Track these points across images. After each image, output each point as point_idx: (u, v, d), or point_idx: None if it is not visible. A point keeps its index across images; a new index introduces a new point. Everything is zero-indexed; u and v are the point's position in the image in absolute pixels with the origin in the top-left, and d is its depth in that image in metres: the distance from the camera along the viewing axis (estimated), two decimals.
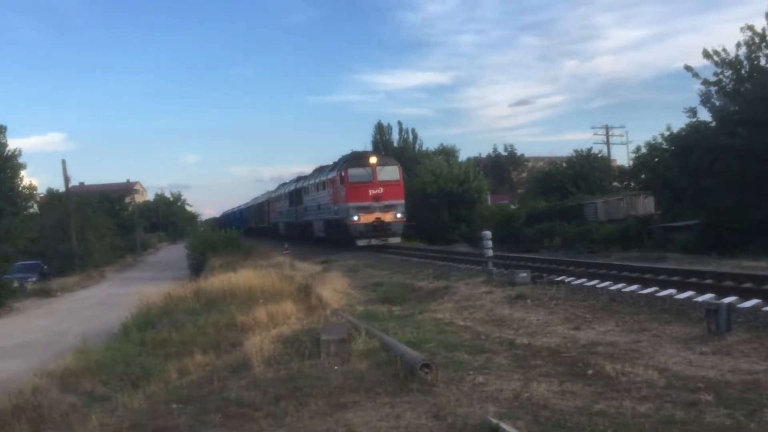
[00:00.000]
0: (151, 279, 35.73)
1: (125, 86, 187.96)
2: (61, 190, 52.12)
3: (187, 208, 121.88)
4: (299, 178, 45.14)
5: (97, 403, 9.46)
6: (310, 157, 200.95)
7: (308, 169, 46.02)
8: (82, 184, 77.74)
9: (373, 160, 31.66)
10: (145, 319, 16.53)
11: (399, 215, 30.92)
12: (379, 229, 30.32)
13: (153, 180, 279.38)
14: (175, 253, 64.70)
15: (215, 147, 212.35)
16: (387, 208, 30.53)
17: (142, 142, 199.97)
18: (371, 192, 30.49)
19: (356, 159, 32.85)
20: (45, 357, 14.74)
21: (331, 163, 37.15)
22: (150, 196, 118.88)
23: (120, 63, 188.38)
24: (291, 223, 46.28)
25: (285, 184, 51.80)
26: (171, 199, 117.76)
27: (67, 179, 48.13)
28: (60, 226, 45.91)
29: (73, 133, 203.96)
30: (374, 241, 30.04)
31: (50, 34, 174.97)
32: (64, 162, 48.70)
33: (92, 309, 26.73)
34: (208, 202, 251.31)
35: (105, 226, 56.19)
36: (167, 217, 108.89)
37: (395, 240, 30.82)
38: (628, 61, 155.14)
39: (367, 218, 30.21)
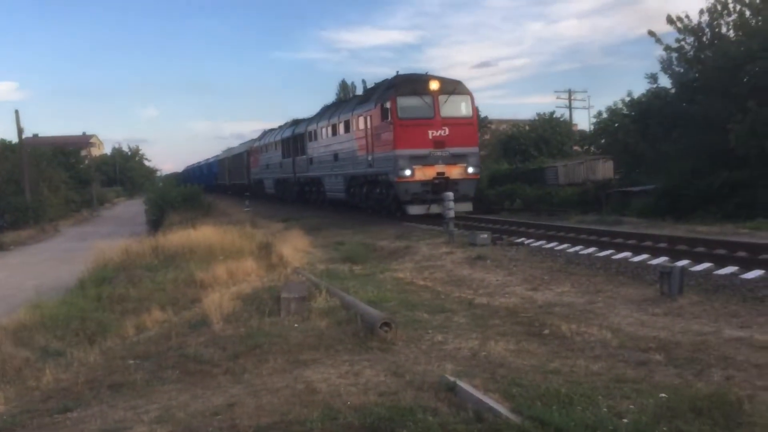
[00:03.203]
0: (108, 234, 35.14)
1: (82, 34, 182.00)
2: (14, 142, 50.66)
3: (146, 162, 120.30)
4: (297, 121, 34.81)
5: (51, 358, 9.34)
6: (272, 114, 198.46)
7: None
8: (36, 135, 75.87)
9: (434, 85, 21.09)
10: (102, 275, 16.28)
11: (471, 170, 21.27)
12: (443, 189, 18.98)
13: (110, 133, 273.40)
14: (132, 208, 63.74)
15: (175, 101, 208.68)
16: (455, 159, 20.90)
17: (99, 94, 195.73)
18: (432, 134, 20.70)
19: (409, 83, 21.81)
20: None
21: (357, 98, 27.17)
22: (107, 150, 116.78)
23: (75, 8, 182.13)
24: (285, 180, 36.16)
25: (273, 130, 41.33)
26: (129, 153, 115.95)
27: (20, 130, 46.74)
28: (13, 179, 45.04)
29: (26, 83, 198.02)
30: (434, 208, 19.96)
31: None
32: (17, 112, 47.50)
33: (47, 263, 26.28)
34: (168, 157, 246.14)
35: (59, 179, 55.13)
36: (124, 172, 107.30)
37: (465, 207, 20.65)
38: (593, 26, 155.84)
39: (425, 173, 20.64)
